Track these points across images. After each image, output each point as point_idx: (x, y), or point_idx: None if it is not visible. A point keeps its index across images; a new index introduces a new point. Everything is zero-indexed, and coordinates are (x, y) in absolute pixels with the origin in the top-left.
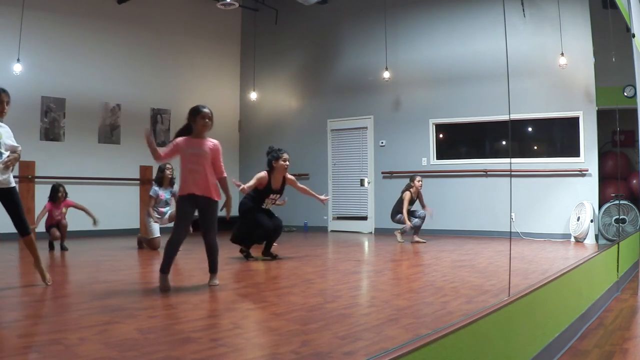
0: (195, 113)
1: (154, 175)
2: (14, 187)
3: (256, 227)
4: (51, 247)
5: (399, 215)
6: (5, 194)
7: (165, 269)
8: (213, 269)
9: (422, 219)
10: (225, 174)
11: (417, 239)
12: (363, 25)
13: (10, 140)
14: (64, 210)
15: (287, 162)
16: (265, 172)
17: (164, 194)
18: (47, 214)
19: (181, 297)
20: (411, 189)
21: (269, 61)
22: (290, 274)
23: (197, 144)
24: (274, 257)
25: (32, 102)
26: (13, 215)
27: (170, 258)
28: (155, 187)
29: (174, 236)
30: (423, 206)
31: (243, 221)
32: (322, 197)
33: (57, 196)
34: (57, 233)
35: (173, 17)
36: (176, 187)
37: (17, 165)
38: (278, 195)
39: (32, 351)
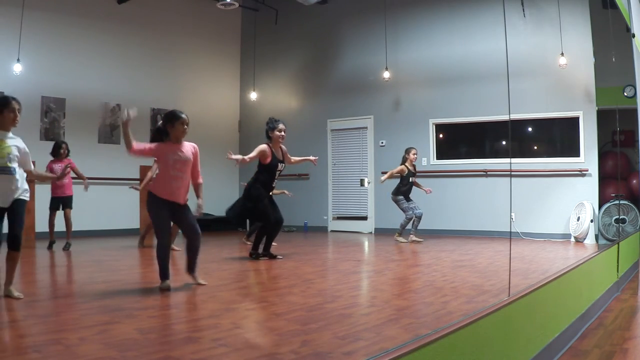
0: (175, 119)
1: (154, 175)
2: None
3: (262, 217)
4: (50, 246)
5: (399, 197)
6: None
7: (164, 276)
8: (194, 268)
9: (419, 217)
10: (201, 180)
11: (414, 238)
12: (363, 25)
13: (25, 160)
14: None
15: (283, 133)
16: (266, 144)
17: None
18: (50, 171)
19: (181, 297)
20: (406, 162)
21: (269, 61)
22: (290, 274)
23: (181, 150)
24: (274, 257)
25: (32, 102)
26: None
27: (165, 263)
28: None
29: (160, 243)
30: (420, 187)
31: (250, 205)
32: (312, 157)
33: (58, 152)
34: (56, 213)
35: (173, 17)
36: None
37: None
38: (283, 165)
39: (32, 351)
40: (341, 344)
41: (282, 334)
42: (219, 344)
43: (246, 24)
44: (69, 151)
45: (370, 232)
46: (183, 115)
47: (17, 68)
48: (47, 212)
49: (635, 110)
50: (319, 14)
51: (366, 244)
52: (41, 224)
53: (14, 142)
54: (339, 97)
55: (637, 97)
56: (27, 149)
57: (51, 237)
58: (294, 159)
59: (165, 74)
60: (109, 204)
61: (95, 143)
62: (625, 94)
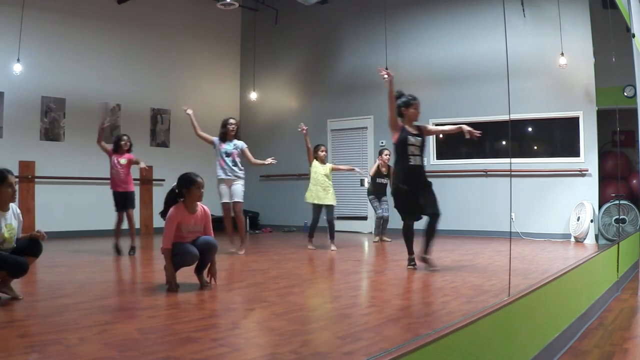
0: (190, 183)
1: (154, 176)
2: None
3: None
4: (117, 251)
5: (370, 196)
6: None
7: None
8: (201, 270)
9: (386, 220)
10: (215, 243)
11: (379, 239)
12: (363, 25)
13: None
14: (122, 161)
15: (419, 112)
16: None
17: (224, 145)
18: (107, 154)
19: (181, 297)
20: (379, 162)
21: (269, 61)
22: (290, 274)
23: (193, 220)
24: (426, 262)
25: (32, 102)
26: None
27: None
28: (216, 140)
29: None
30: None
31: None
32: (466, 127)
33: (119, 145)
34: (123, 215)
35: (173, 17)
36: (241, 142)
37: (17, 165)
38: (420, 140)
39: (32, 351)
40: (341, 344)
41: (282, 334)
42: (219, 344)
43: (246, 24)
44: (131, 144)
45: (370, 232)
46: (199, 179)
47: (17, 68)
48: (47, 212)
49: (635, 110)
50: (319, 14)
51: (366, 244)
52: (41, 224)
53: (14, 218)
54: (339, 97)
55: (637, 97)
56: (20, 216)
57: (117, 239)
58: (437, 129)
59: (165, 74)
60: (109, 204)
61: (95, 143)
62: (625, 94)
